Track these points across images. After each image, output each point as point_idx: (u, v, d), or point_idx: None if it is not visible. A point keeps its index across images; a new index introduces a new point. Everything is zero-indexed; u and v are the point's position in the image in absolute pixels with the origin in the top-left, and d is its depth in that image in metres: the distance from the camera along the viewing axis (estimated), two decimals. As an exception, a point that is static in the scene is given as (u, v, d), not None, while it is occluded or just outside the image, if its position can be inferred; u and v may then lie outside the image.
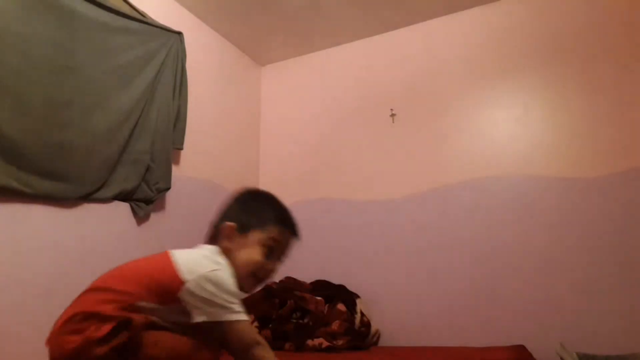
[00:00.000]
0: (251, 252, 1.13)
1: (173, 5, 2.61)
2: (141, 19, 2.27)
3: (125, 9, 2.19)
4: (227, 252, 1.13)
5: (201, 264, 1.06)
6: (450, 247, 2.44)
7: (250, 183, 2.94)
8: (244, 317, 1.03)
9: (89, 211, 1.94)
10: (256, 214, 1.17)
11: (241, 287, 1.10)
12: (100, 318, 0.93)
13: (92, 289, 1.10)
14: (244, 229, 1.14)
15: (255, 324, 2.26)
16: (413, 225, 2.57)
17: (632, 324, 1.99)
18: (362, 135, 2.86)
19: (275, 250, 1.16)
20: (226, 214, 1.20)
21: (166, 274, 1.03)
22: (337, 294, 2.38)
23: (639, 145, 2.17)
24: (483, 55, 2.62)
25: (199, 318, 0.99)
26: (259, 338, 1.07)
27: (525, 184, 2.35)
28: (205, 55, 2.82)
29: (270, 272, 1.16)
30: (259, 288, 1.20)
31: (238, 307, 1.03)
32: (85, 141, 1.91)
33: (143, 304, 0.97)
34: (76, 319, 0.97)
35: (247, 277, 1.12)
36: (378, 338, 2.39)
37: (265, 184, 3.04)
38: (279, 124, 3.20)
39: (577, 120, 2.32)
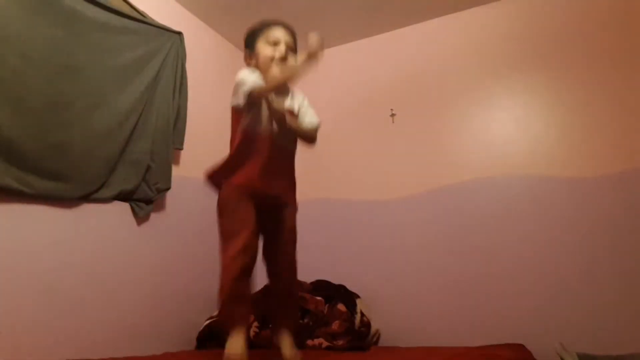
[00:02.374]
0: (261, 53, 1.63)
1: (173, 5, 2.61)
2: (141, 19, 2.27)
3: (125, 9, 2.19)
4: (256, 67, 1.62)
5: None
6: (450, 246, 2.44)
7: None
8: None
9: (89, 211, 1.94)
10: (252, 37, 1.68)
11: (274, 76, 1.57)
12: None
13: None
14: (251, 49, 1.67)
15: (255, 323, 2.26)
16: (413, 225, 2.57)
17: (632, 324, 1.99)
18: (362, 135, 2.86)
19: (273, 42, 1.62)
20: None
21: None
22: (337, 294, 2.38)
23: (639, 145, 2.17)
24: (483, 55, 2.62)
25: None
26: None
27: (525, 184, 2.35)
28: (205, 55, 2.82)
29: (282, 53, 1.60)
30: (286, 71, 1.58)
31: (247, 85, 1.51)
32: (85, 141, 1.91)
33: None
34: None
35: (270, 68, 1.59)
36: (378, 338, 2.39)
37: (265, 184, 3.03)
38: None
39: (577, 120, 2.32)
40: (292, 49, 1.65)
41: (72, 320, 1.79)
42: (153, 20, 2.36)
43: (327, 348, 2.07)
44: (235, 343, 1.35)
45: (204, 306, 2.42)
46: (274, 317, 1.62)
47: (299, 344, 2.11)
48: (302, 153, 3.02)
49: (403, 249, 2.56)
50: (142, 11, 2.31)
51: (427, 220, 2.54)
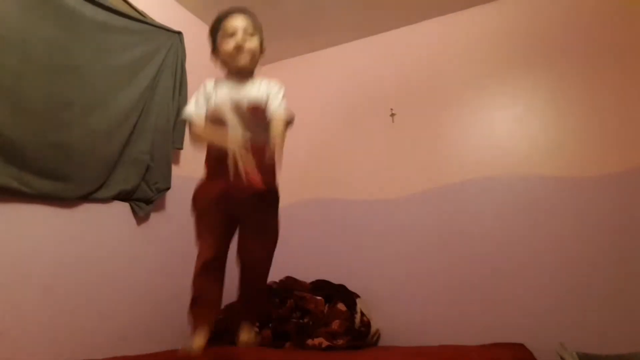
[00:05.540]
0: (221, 49, 1.63)
1: (173, 5, 2.61)
2: (141, 19, 2.27)
3: (125, 8, 2.19)
4: (222, 63, 1.68)
5: None
6: (450, 246, 2.44)
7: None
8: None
9: (89, 211, 1.94)
10: (212, 35, 1.70)
11: (237, 65, 1.59)
12: None
13: None
14: (213, 44, 1.70)
15: (256, 323, 2.26)
16: (413, 225, 2.57)
17: (632, 324, 1.99)
18: (362, 135, 2.86)
19: (230, 34, 1.59)
20: None
21: None
22: (337, 294, 2.38)
23: (639, 145, 2.17)
24: (483, 55, 2.62)
25: None
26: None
27: (525, 183, 2.35)
28: (205, 55, 2.81)
29: (238, 43, 1.56)
30: (245, 55, 1.59)
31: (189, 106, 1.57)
32: (85, 141, 1.91)
33: None
34: None
35: (233, 56, 1.58)
36: (378, 338, 2.39)
37: (265, 184, 3.03)
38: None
39: (577, 120, 2.32)
40: (251, 33, 1.60)
41: (72, 320, 1.79)
42: (153, 20, 2.36)
43: (327, 348, 2.07)
44: (195, 341, 1.40)
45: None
46: (238, 308, 1.64)
47: (299, 343, 2.12)
48: (302, 153, 3.04)
49: (403, 248, 2.56)
50: (142, 11, 2.31)
51: (427, 219, 2.54)
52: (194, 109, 1.54)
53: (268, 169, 1.42)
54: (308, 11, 2.73)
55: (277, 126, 1.44)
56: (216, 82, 1.60)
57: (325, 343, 2.09)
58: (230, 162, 1.34)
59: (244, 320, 1.58)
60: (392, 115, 2.80)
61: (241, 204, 1.44)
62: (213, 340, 2.20)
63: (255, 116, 1.49)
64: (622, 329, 1.99)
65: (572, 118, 2.33)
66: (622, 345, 1.91)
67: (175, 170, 2.37)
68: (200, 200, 1.50)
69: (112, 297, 1.97)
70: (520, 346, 1.99)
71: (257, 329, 2.21)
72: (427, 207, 2.56)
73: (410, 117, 2.75)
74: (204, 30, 2.92)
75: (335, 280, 2.51)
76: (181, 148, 2.43)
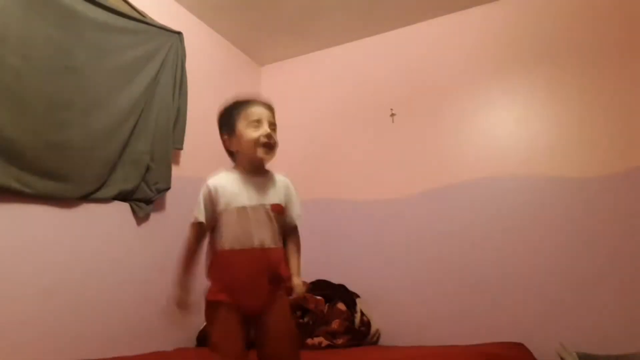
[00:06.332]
0: (245, 136, 1.40)
1: (173, 5, 2.61)
2: (141, 19, 2.27)
3: (125, 8, 2.19)
4: (237, 153, 1.46)
5: None
6: (450, 246, 2.44)
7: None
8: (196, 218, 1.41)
9: (89, 211, 1.94)
10: (228, 118, 1.46)
11: (258, 157, 1.40)
12: None
13: None
14: (230, 132, 1.44)
15: (255, 323, 2.26)
16: (413, 224, 2.57)
17: (632, 324, 1.99)
18: (362, 135, 2.86)
19: (255, 121, 1.41)
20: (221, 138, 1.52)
21: None
22: (337, 294, 2.38)
23: (639, 145, 2.16)
24: (483, 55, 2.62)
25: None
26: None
27: (525, 184, 2.35)
28: (205, 55, 2.82)
29: (266, 133, 1.40)
30: (272, 152, 1.44)
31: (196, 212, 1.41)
32: (85, 141, 1.91)
33: None
34: None
35: (256, 150, 1.40)
36: (378, 337, 2.40)
37: (265, 184, 3.03)
38: (278, 124, 3.18)
39: (577, 120, 2.32)
40: (274, 126, 1.46)
41: (72, 320, 1.79)
42: (153, 20, 2.36)
43: (327, 347, 2.07)
44: None
45: (204, 306, 2.41)
46: None
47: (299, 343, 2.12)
48: (302, 153, 3.04)
49: (403, 248, 2.56)
50: (142, 11, 2.31)
51: (427, 219, 2.54)
52: (203, 214, 1.39)
53: (276, 286, 1.38)
54: (308, 11, 2.73)
55: (298, 253, 1.55)
56: (219, 180, 1.42)
57: (325, 342, 2.09)
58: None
59: None
60: (392, 115, 2.80)
61: (255, 311, 1.35)
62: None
63: (277, 216, 1.42)
64: (622, 329, 1.99)
65: (572, 118, 2.33)
66: (622, 345, 1.91)
67: (175, 171, 2.37)
68: (211, 307, 1.38)
69: (112, 297, 1.97)
70: (520, 346, 1.99)
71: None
72: (427, 207, 2.56)
73: (410, 117, 2.75)
74: (204, 30, 2.95)
75: (335, 280, 2.51)
76: (181, 148, 2.43)
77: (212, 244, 1.42)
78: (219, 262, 1.38)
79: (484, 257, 2.35)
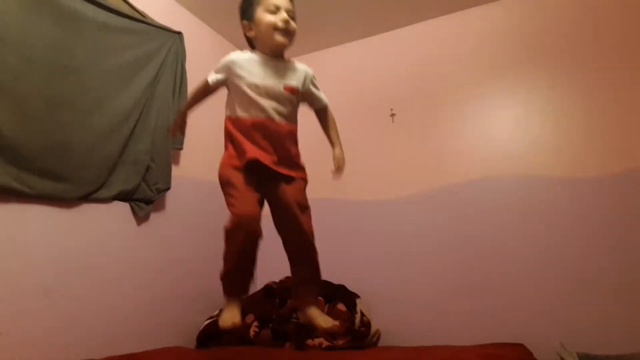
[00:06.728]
0: (263, 21, 1.51)
1: (173, 6, 2.61)
2: (141, 19, 2.27)
3: (125, 8, 2.19)
4: (255, 40, 1.58)
5: None
6: (450, 246, 2.44)
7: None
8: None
9: (89, 211, 1.94)
10: (248, 5, 1.56)
11: (276, 42, 1.51)
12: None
13: None
14: (249, 18, 1.55)
15: (255, 323, 2.26)
16: (413, 225, 2.57)
17: (632, 324, 1.99)
18: (362, 135, 2.86)
19: (274, 8, 1.51)
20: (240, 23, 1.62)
21: None
22: (337, 294, 2.38)
23: (639, 145, 2.17)
24: (483, 55, 2.62)
25: None
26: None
27: (525, 184, 2.35)
28: (205, 55, 2.82)
29: (284, 19, 1.50)
30: (288, 36, 1.53)
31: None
32: (85, 141, 1.91)
33: None
34: None
35: (274, 35, 1.51)
36: (378, 338, 2.39)
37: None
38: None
39: (577, 120, 2.32)
40: (292, 15, 1.55)
41: (72, 320, 1.79)
42: (153, 20, 2.36)
43: (327, 348, 2.07)
44: (229, 313, 1.41)
45: (204, 306, 2.42)
46: (294, 289, 1.58)
47: (299, 344, 2.12)
48: (301, 153, 3.02)
49: (403, 249, 2.56)
50: (142, 11, 2.31)
51: (427, 220, 2.55)
52: (214, 79, 1.58)
53: (292, 161, 1.58)
54: (308, 11, 2.73)
55: (334, 127, 1.83)
56: (242, 56, 1.55)
57: (325, 343, 2.09)
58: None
59: (308, 304, 1.49)
60: (392, 115, 2.80)
61: (270, 174, 1.47)
62: (212, 340, 2.21)
63: (291, 96, 1.56)
64: (622, 329, 1.99)
65: (572, 118, 2.33)
66: (622, 345, 1.91)
67: (175, 171, 2.37)
68: (227, 169, 1.48)
69: (112, 297, 1.97)
70: (520, 346, 1.99)
71: (257, 329, 2.21)
72: (427, 207, 2.57)
73: (410, 117, 2.75)
74: (204, 30, 2.94)
75: (335, 280, 2.51)
76: (181, 148, 2.43)
77: (229, 113, 1.57)
78: (233, 130, 1.51)
79: (483, 257, 2.35)
